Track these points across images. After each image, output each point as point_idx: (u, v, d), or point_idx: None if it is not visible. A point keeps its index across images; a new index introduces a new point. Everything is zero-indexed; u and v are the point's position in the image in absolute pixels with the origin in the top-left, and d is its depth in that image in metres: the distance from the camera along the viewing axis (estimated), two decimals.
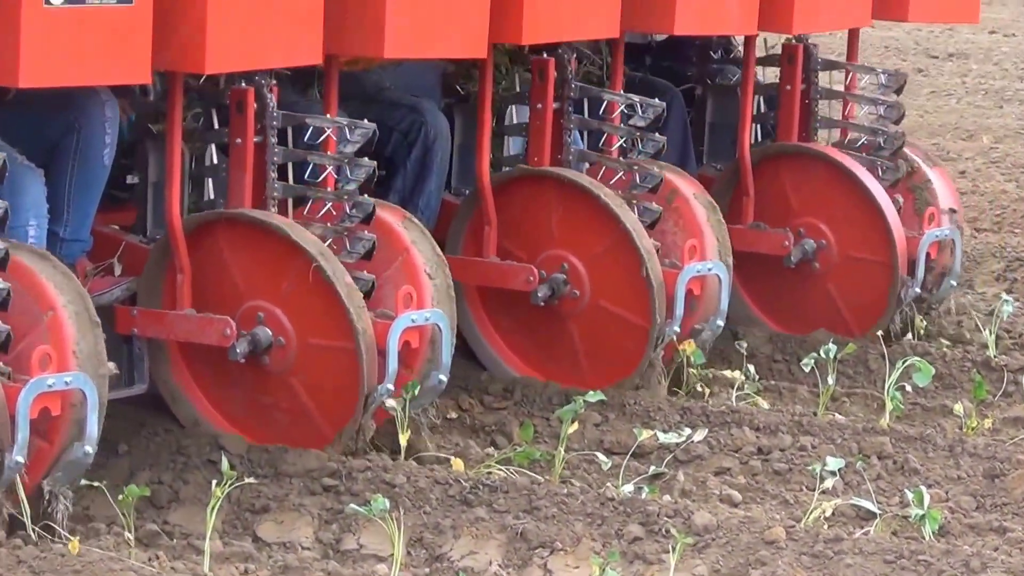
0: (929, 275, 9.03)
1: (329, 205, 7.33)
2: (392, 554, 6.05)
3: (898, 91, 9.29)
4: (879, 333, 8.83)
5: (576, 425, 7.25)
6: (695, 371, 8.09)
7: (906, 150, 9.18)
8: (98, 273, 7.39)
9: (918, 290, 8.93)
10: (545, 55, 8.20)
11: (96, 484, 6.53)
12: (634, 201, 8.12)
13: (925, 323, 9.14)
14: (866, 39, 20.56)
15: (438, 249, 7.55)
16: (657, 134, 8.28)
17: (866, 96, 9.34)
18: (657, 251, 8.01)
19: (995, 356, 8.68)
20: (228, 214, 7.28)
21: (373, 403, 7.04)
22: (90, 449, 6.31)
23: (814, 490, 6.80)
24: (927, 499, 6.58)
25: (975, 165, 13.45)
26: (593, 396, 7.34)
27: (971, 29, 21.77)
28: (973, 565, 5.97)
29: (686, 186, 8.46)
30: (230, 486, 6.28)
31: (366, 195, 7.32)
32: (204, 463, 6.86)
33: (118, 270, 7.41)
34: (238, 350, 7.08)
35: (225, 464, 6.51)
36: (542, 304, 8.08)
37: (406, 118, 8.41)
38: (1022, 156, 13.79)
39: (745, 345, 8.62)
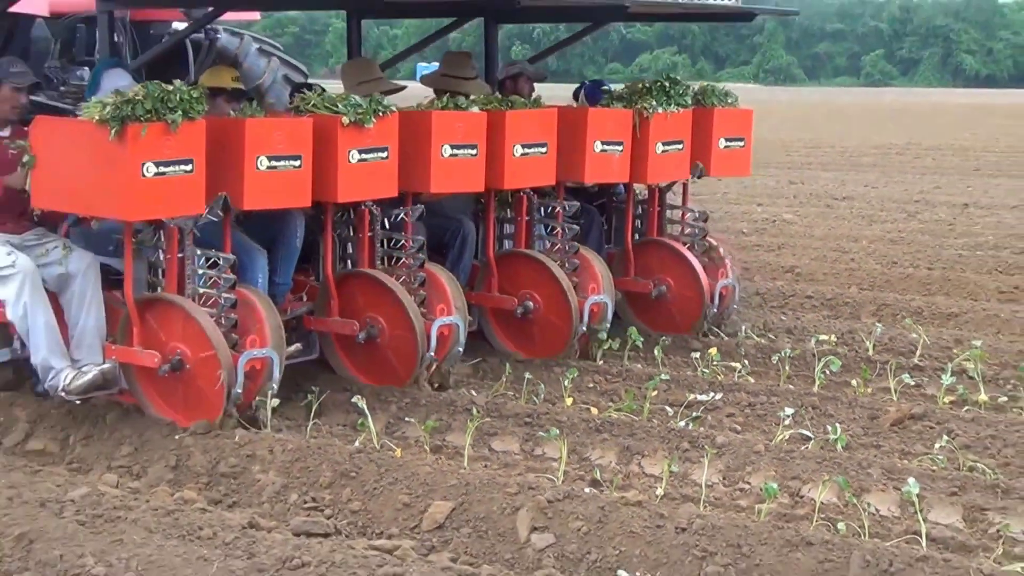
0: (722, 303, 9.04)
1: (404, 259, 7.64)
2: (560, 457, 6.18)
3: (705, 220, 9.36)
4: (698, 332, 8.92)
5: (655, 391, 7.31)
6: (715, 364, 8.07)
7: (712, 239, 9.38)
8: (296, 300, 7.72)
9: (715, 310, 8.95)
10: (521, 193, 8.40)
11: (407, 419, 6.94)
12: (566, 261, 8.38)
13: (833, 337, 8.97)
14: (801, 189, 20.12)
15: (459, 286, 7.84)
16: (576, 225, 8.54)
17: (691, 207, 9.39)
18: (575, 287, 8.30)
19: (872, 354, 8.52)
20: (355, 271, 7.60)
21: (424, 362, 7.39)
22: (275, 386, 6.69)
23: (779, 425, 6.84)
24: (839, 429, 6.70)
25: (859, 256, 12.98)
26: (665, 376, 7.64)
27: (853, 183, 21.26)
28: (863, 464, 6.11)
29: (591, 255, 8.61)
30: (478, 421, 6.61)
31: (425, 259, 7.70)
32: (463, 410, 6.96)
33: (305, 297, 7.77)
34: (361, 337, 7.46)
35: (475, 410, 6.82)
36: (520, 316, 8.32)
37: (453, 224, 8.47)
38: (885, 252, 13.22)
39: (743, 349, 8.55)
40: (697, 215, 9.38)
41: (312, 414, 6.85)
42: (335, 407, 7.11)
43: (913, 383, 7.87)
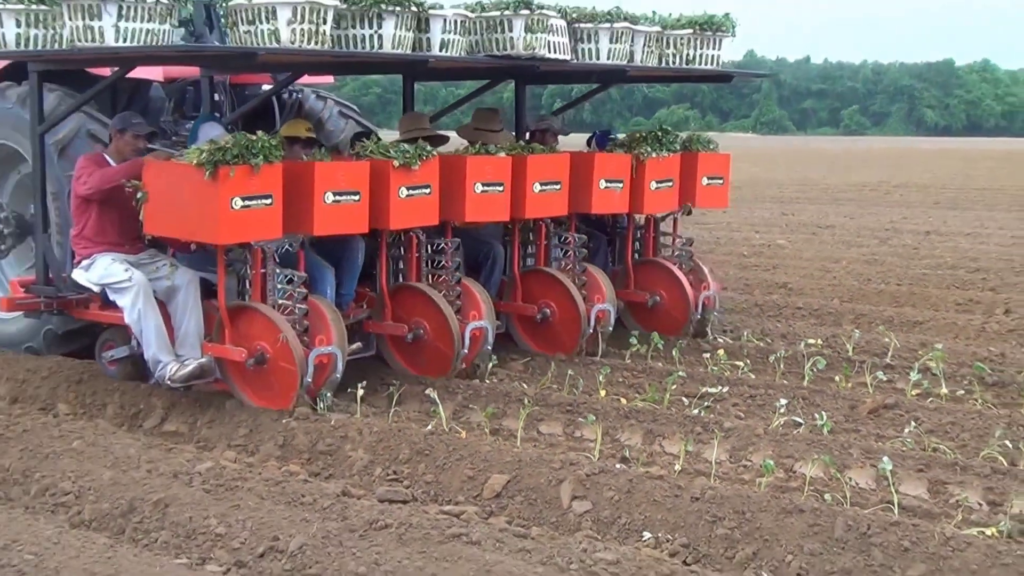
0: (704, 310, 9.05)
1: (444, 276, 7.67)
2: (596, 439, 6.21)
3: (691, 244, 9.36)
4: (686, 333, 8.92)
5: (674, 385, 7.30)
6: (722, 362, 7.99)
7: (696, 260, 9.37)
8: (358, 308, 7.69)
9: (699, 315, 9.00)
10: (540, 222, 8.43)
11: (470, 407, 6.89)
12: (575, 270, 8.47)
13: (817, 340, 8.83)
14: (792, 219, 19.73)
15: (489, 297, 7.79)
16: (583, 238, 8.56)
17: (679, 234, 9.37)
18: (584, 296, 8.34)
19: (852, 355, 8.46)
20: (405, 285, 7.61)
21: (459, 357, 7.41)
22: (338, 376, 6.65)
23: (775, 413, 6.76)
24: (825, 417, 6.64)
25: (841, 274, 12.90)
26: (681, 372, 7.56)
27: (835, 215, 20.97)
28: (845, 445, 6.06)
29: (597, 271, 8.61)
30: (528, 409, 6.63)
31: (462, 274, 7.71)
32: (516, 400, 6.95)
33: (365, 306, 7.70)
34: (409, 337, 7.49)
35: (526, 400, 6.82)
36: (540, 321, 8.35)
37: (485, 246, 8.50)
38: (862, 271, 13.11)
39: (745, 350, 8.45)
40: (684, 240, 9.44)
41: (393, 403, 6.86)
42: (412, 397, 7.08)
43: (886, 379, 7.79)
